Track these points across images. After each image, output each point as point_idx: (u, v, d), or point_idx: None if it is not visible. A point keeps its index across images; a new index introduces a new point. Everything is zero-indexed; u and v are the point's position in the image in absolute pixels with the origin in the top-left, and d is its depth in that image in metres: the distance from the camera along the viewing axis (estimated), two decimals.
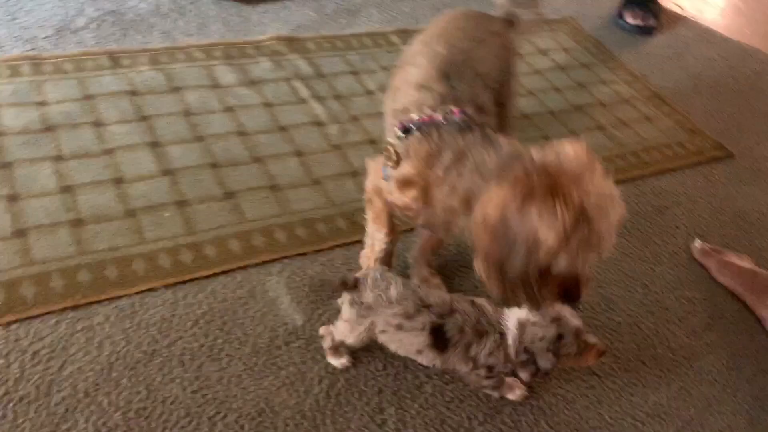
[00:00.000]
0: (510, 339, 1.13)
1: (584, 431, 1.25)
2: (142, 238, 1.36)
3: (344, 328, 1.18)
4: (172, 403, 1.13)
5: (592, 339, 1.16)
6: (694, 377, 1.40)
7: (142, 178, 1.49)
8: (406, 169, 1.16)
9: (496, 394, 1.25)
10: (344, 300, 1.16)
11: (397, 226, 1.34)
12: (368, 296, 1.13)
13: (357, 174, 1.65)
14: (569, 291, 1.03)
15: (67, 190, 1.41)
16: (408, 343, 1.15)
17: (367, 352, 1.28)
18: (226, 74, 1.84)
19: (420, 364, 1.23)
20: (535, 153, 1.02)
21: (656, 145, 2.05)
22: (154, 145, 1.57)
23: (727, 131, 2.21)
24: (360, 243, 1.48)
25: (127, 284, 1.27)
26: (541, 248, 0.95)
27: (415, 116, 1.17)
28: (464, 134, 1.12)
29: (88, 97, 1.65)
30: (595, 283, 1.53)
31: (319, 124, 1.75)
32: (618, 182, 1.82)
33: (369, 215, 1.34)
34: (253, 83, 1.84)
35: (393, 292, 1.13)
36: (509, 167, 1.01)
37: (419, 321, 1.13)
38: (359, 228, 1.50)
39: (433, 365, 1.19)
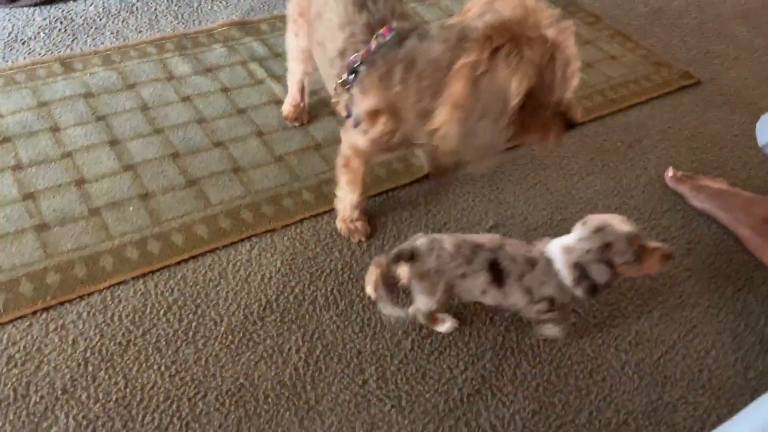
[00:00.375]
0: (558, 264, 1.13)
1: (567, 367, 1.25)
2: (108, 235, 1.36)
3: (425, 301, 1.18)
4: (151, 389, 1.13)
5: (653, 243, 1.13)
6: (675, 303, 1.40)
7: (104, 176, 1.48)
8: (369, 102, 1.19)
9: (560, 334, 1.26)
10: (411, 277, 1.16)
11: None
12: (430, 261, 1.13)
13: (320, 147, 1.64)
14: (567, 119, 1.09)
15: (29, 196, 1.41)
16: (474, 286, 1.16)
17: (342, 317, 1.28)
18: (180, 65, 1.83)
19: (413, 327, 1.23)
20: (476, 21, 1.04)
21: (623, 82, 2.03)
22: (114, 143, 1.57)
23: (694, 60, 2.18)
24: (328, 213, 1.48)
25: (96, 281, 1.28)
26: (518, 95, 0.98)
27: (352, 56, 1.19)
28: (403, 44, 1.15)
29: (43, 105, 1.64)
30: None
31: (278, 102, 1.74)
32: (587, 122, 1.85)
33: (344, 180, 1.37)
34: (208, 71, 1.83)
35: (448, 246, 1.14)
36: (460, 44, 1.02)
37: (478, 262, 1.13)
38: (326, 199, 1.50)
39: (498, 304, 1.19)
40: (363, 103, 1.20)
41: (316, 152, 1.63)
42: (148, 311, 1.24)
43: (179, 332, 1.22)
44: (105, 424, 1.08)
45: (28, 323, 1.20)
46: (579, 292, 1.12)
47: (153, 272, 1.31)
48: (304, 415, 1.13)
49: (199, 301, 1.28)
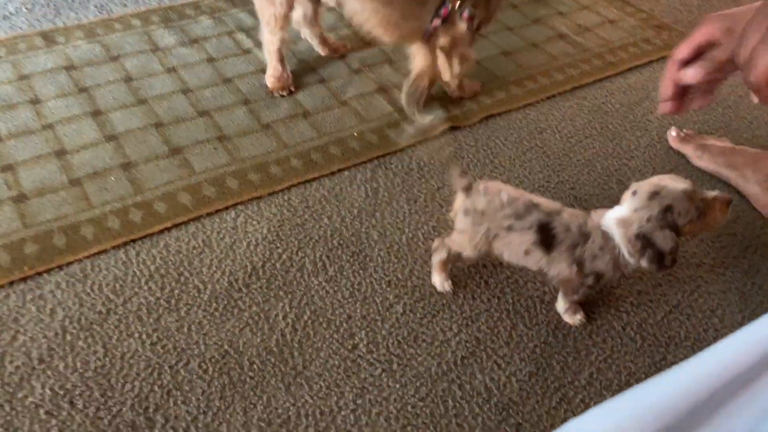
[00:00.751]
0: (617, 238, 1.06)
1: (565, 329, 1.20)
2: (88, 204, 1.31)
3: (462, 240, 1.14)
4: (131, 358, 1.09)
5: (710, 194, 1.06)
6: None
7: (85, 147, 1.44)
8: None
9: (578, 323, 1.21)
10: (459, 210, 1.13)
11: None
12: (481, 202, 1.10)
13: (308, 114, 1.59)
14: None
15: (7, 168, 1.37)
16: (517, 243, 1.10)
17: (331, 283, 1.23)
18: (165, 37, 1.78)
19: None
20: None
21: (622, 45, 1.97)
22: (96, 114, 1.52)
23: (695, 22, 2.11)
24: (317, 180, 1.44)
25: (76, 250, 1.23)
26: None
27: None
28: None
29: (23, 77, 1.60)
30: (569, 186, 1.47)
31: (264, 71, 1.69)
32: (584, 86, 1.79)
33: None
34: (194, 42, 1.78)
35: (504, 195, 1.09)
36: None
37: (528, 220, 1.08)
38: (315, 165, 1.45)
39: (539, 269, 1.12)
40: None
41: (304, 119, 1.58)
42: (129, 280, 1.20)
43: (161, 300, 1.18)
44: (83, 394, 1.03)
45: (4, 294, 1.16)
46: (645, 263, 1.04)
47: (135, 241, 1.27)
48: (291, 381, 1.08)
49: (182, 269, 1.23)
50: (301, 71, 1.71)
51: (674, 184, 1.03)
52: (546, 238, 1.08)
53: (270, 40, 1.57)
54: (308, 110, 1.61)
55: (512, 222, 1.09)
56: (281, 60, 1.60)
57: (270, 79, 1.63)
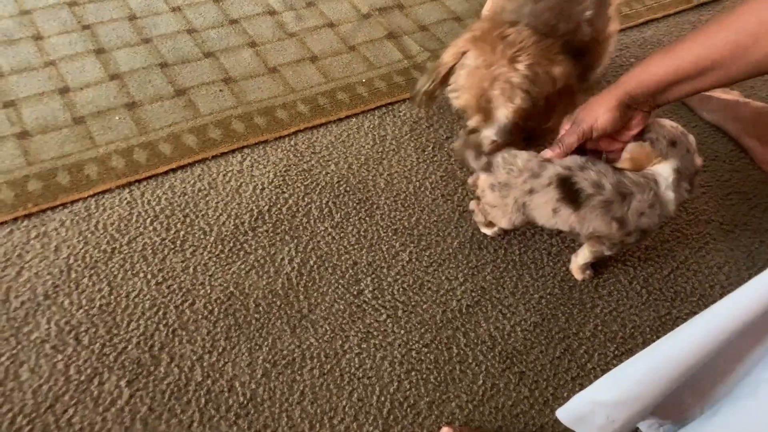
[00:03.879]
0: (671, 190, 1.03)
1: (571, 281, 1.20)
2: (92, 143, 1.29)
3: (496, 214, 1.13)
4: (136, 297, 1.09)
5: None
6: (688, 219, 1.33)
7: (89, 85, 1.41)
8: None
9: (588, 277, 1.21)
10: (486, 188, 1.11)
11: None
12: (501, 174, 1.07)
13: (317, 59, 1.56)
14: None
15: (9, 105, 1.34)
16: (543, 203, 1.06)
17: (337, 229, 1.22)
18: None
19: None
20: None
21: None
22: (99, 51, 1.49)
23: None
24: (324, 125, 1.41)
25: (80, 188, 1.22)
26: None
27: None
28: None
29: (25, 12, 1.55)
30: None
31: (272, 13, 1.65)
32: None
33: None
34: None
35: (519, 161, 1.06)
36: None
37: (545, 176, 1.04)
38: (322, 111, 1.43)
39: (572, 229, 1.08)
40: None
41: (311, 64, 1.54)
42: (134, 220, 1.19)
43: (166, 241, 1.17)
44: (88, 330, 1.03)
45: (8, 230, 1.15)
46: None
47: (139, 181, 1.25)
48: (297, 324, 1.08)
49: (187, 210, 1.22)
50: (309, 15, 1.67)
51: (674, 128, 1.05)
52: (569, 192, 1.03)
53: None
54: (316, 55, 1.57)
55: (531, 184, 1.05)
56: None
57: None
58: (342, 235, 1.22)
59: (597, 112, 0.98)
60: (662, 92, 0.93)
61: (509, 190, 1.07)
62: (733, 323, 0.65)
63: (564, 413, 0.79)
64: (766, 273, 0.65)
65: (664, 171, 1.02)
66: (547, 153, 1.06)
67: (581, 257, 1.17)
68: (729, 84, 0.92)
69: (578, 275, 1.19)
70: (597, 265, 1.22)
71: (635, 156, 1.03)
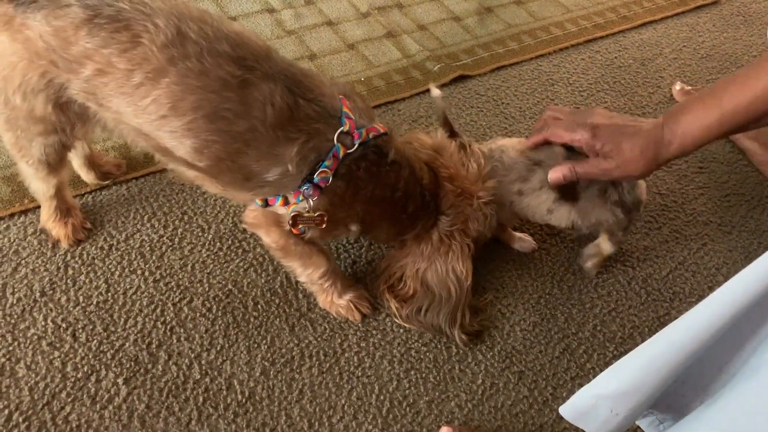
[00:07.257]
0: None
1: (570, 281, 1.20)
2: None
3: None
4: (134, 294, 1.08)
5: None
6: (686, 220, 1.34)
7: None
8: None
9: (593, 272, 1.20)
10: None
11: None
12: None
13: (315, 57, 1.55)
14: None
15: None
16: (536, 205, 1.05)
17: None
18: None
19: None
20: None
21: (637, 0, 1.92)
22: None
23: None
24: None
25: (76, 185, 1.21)
26: None
27: None
28: None
29: None
30: None
31: (270, 10, 1.65)
32: (597, 39, 1.75)
33: None
34: None
35: (505, 158, 1.04)
36: None
37: (535, 180, 1.03)
38: None
39: (574, 225, 1.06)
40: None
41: (310, 62, 1.54)
42: (131, 217, 1.18)
43: (164, 238, 1.16)
44: (85, 327, 1.02)
45: (5, 225, 1.14)
46: None
47: (137, 178, 1.24)
48: (295, 322, 1.08)
49: (185, 208, 1.21)
50: (308, 13, 1.66)
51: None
52: (566, 189, 1.02)
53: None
54: (315, 53, 1.57)
55: (520, 186, 1.04)
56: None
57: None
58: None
59: (629, 167, 0.94)
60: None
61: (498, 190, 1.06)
62: (732, 308, 0.65)
63: (567, 410, 0.79)
64: (763, 258, 0.65)
65: None
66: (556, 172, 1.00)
67: (605, 248, 1.14)
68: None
69: (592, 269, 1.18)
70: None
71: None
